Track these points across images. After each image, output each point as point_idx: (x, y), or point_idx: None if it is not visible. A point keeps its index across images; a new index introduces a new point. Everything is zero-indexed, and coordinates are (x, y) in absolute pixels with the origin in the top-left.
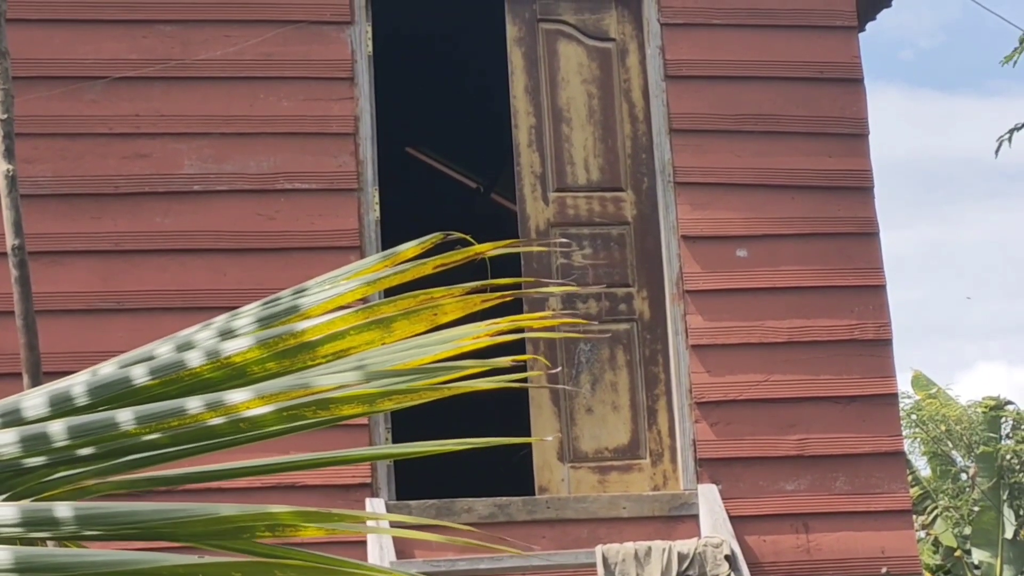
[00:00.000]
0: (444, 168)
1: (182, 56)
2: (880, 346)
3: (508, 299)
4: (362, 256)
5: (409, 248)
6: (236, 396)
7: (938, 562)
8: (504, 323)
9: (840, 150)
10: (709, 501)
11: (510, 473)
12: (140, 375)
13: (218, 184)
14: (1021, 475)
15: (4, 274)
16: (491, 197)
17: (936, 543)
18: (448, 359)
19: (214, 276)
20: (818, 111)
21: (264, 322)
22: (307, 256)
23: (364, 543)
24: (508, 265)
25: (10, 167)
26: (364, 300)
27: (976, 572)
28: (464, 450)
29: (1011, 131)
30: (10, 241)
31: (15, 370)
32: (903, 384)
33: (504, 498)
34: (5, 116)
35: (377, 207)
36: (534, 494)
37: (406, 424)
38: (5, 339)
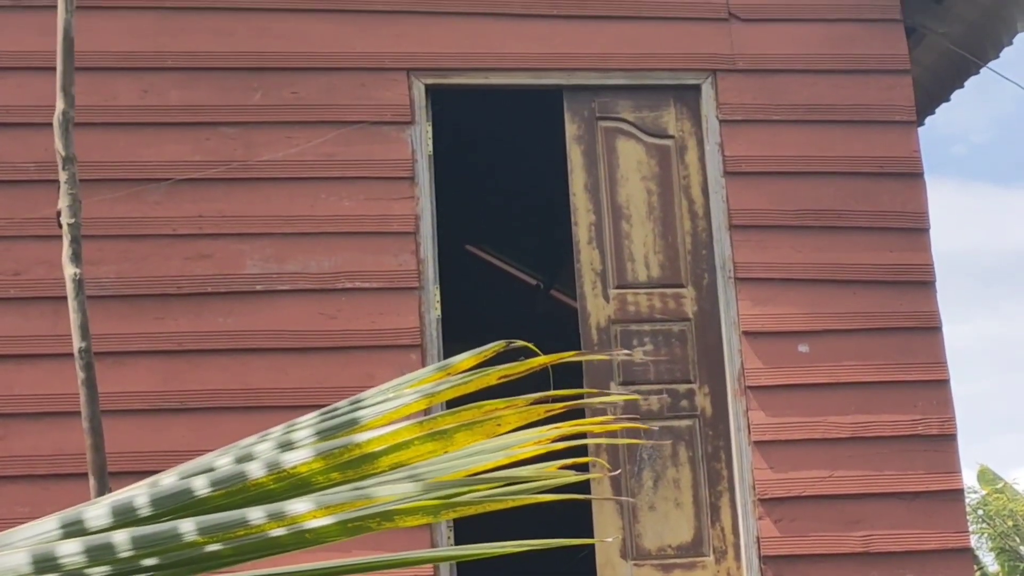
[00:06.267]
0: (504, 265)
1: (244, 157)
2: (944, 441)
3: (570, 407)
4: (423, 354)
5: (468, 358)
6: (298, 507)
7: None
8: (566, 427)
9: (901, 244)
10: None
11: (574, 571)
12: (202, 486)
13: (280, 283)
14: None
15: (70, 374)
16: (551, 294)
17: None
18: (509, 465)
19: (276, 375)
20: (878, 205)
21: (323, 434)
22: (368, 354)
23: None
24: (569, 363)
25: (77, 271)
26: (426, 410)
27: None
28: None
29: None
30: (77, 344)
31: (82, 470)
32: (968, 478)
33: None
34: (72, 221)
35: (438, 305)
36: None
37: (468, 520)
38: (71, 439)
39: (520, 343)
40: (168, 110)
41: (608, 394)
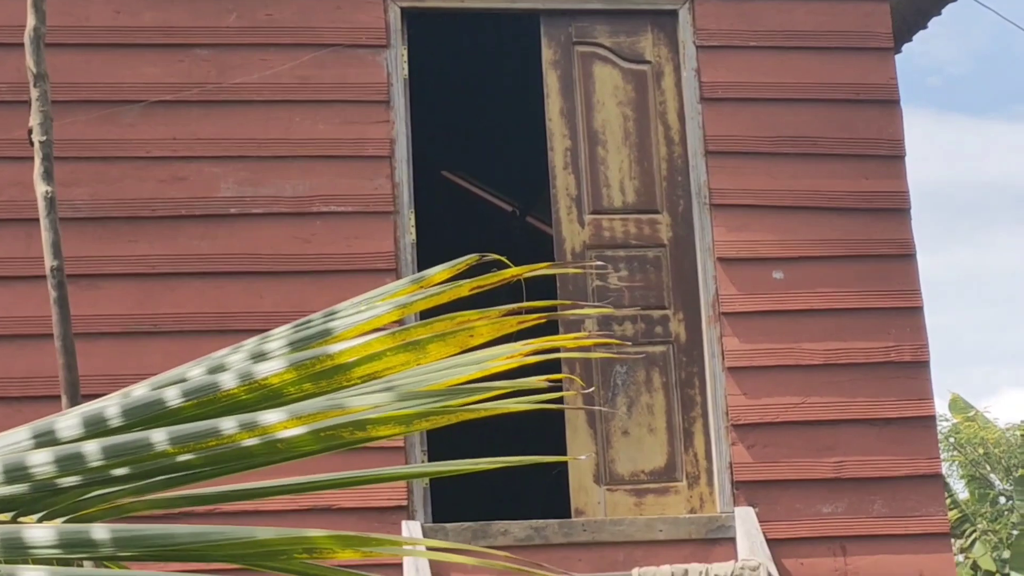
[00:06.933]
0: (480, 191)
1: (219, 80)
2: (917, 368)
3: (543, 321)
4: (398, 279)
5: (442, 271)
6: (270, 416)
7: None
8: (540, 343)
9: (877, 171)
10: (746, 524)
11: (546, 494)
12: (173, 397)
13: (254, 207)
14: None
15: (43, 296)
16: (527, 220)
17: (975, 567)
18: (483, 379)
19: (251, 299)
20: (854, 132)
21: (296, 345)
22: (343, 279)
23: (400, 565)
24: (543, 286)
25: (49, 188)
26: (399, 322)
27: None
28: (500, 470)
29: None
30: (48, 262)
31: (54, 392)
32: (940, 407)
33: (540, 521)
34: (44, 138)
35: (413, 230)
36: (570, 516)
37: (442, 444)
38: (44, 361)
39: (493, 256)
40: (141, 31)
41: (581, 306)
